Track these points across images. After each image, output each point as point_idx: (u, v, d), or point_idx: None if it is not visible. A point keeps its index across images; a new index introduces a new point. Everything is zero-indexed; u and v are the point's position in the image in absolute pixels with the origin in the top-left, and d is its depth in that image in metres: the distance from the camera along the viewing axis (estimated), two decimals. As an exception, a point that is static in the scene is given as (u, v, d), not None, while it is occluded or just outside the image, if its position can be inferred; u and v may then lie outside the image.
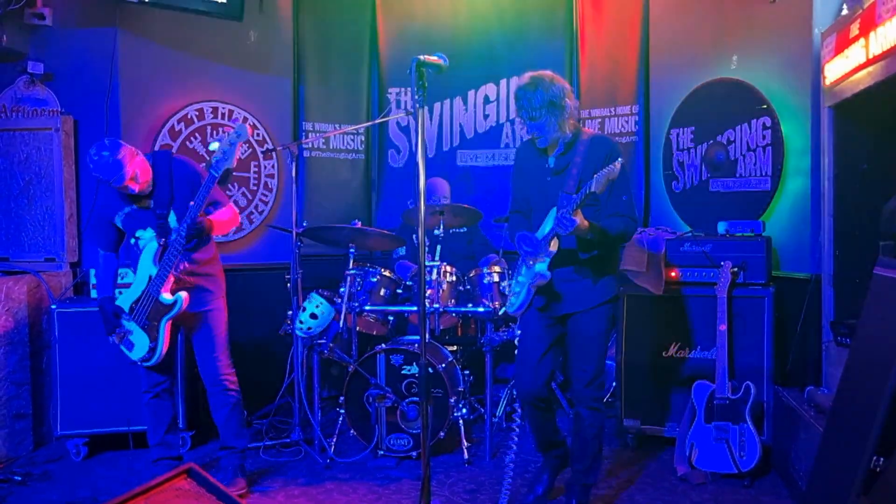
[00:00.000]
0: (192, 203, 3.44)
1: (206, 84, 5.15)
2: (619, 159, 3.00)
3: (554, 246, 3.11)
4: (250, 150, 5.30)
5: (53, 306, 4.22)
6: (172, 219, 3.57)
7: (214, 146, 3.45)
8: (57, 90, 4.70)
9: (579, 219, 2.96)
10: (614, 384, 4.48)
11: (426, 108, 5.77)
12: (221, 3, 4.79)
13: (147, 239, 3.59)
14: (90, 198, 4.70)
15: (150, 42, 4.90)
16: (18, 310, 4.25)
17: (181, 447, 3.99)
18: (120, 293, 3.65)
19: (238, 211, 3.79)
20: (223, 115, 5.19)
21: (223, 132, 5.14)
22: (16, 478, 3.86)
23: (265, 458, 4.19)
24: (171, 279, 3.51)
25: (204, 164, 3.77)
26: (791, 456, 3.55)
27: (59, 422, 4.19)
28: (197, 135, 5.09)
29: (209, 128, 5.14)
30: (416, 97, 2.37)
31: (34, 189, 4.55)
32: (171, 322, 3.53)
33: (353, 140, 5.87)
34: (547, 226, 3.15)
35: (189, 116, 5.07)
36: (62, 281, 4.54)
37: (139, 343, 3.57)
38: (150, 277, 3.51)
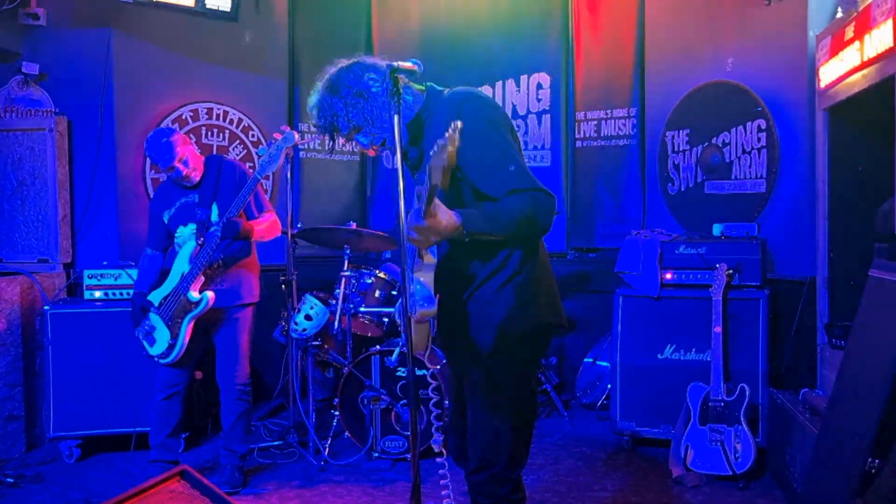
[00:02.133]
0: (232, 203, 3.54)
1: (200, 85, 5.14)
2: (462, 122, 1.78)
3: (429, 259, 2.13)
4: (245, 151, 5.29)
5: (47, 307, 4.20)
6: (215, 213, 3.66)
7: (263, 151, 3.63)
8: (51, 90, 4.68)
9: (432, 221, 1.90)
10: (609, 386, 4.47)
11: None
12: (217, 4, 4.80)
13: (184, 238, 3.67)
14: (84, 199, 4.69)
15: (145, 42, 4.89)
16: (11, 311, 4.23)
17: (178, 449, 3.97)
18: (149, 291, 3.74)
19: (280, 223, 3.89)
20: (218, 115, 5.17)
21: (218, 133, 5.14)
22: (8, 480, 3.84)
23: (259, 460, 4.17)
24: (202, 278, 3.58)
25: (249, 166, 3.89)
26: (786, 458, 3.55)
27: (52, 424, 4.17)
28: (192, 135, 5.06)
29: (204, 129, 5.13)
30: (392, 105, 2.11)
31: (28, 190, 4.53)
32: (194, 321, 3.59)
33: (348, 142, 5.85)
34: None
35: (184, 117, 5.06)
36: (55, 282, 4.52)
37: (160, 339, 3.62)
38: (183, 275, 3.58)
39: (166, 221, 3.76)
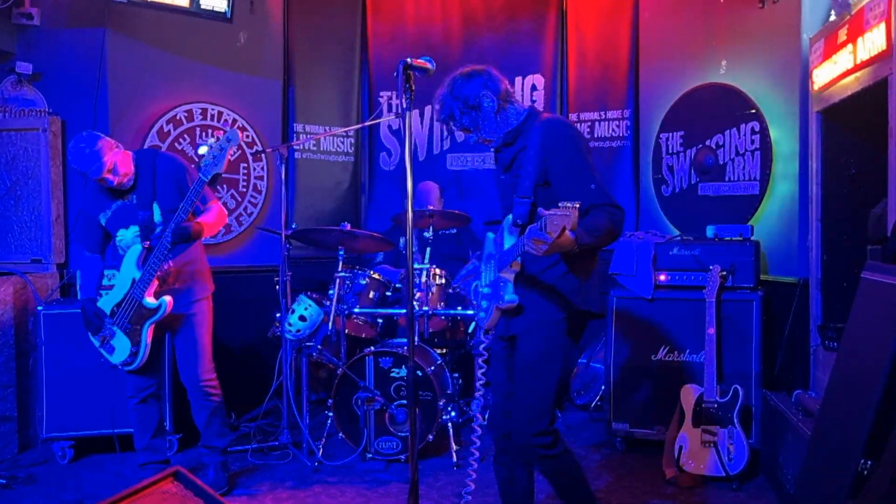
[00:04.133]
0: (179, 207, 3.42)
1: (195, 85, 5.12)
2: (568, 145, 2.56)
3: (516, 266, 2.58)
4: (239, 151, 5.28)
5: (40, 308, 4.19)
6: (157, 214, 3.55)
7: (203, 150, 3.44)
8: (45, 90, 4.67)
9: (558, 240, 2.24)
10: (603, 387, 4.48)
11: (416, 111, 5.84)
12: (212, 4, 4.79)
13: (129, 240, 3.57)
14: (78, 199, 4.67)
15: (139, 42, 4.88)
16: (4, 311, 4.22)
17: (168, 450, 3.97)
18: (102, 295, 3.62)
19: (225, 210, 3.78)
20: (212, 116, 5.17)
21: (213, 134, 5.13)
22: (1, 481, 3.82)
23: (253, 461, 4.17)
24: (156, 283, 3.48)
25: (193, 166, 3.76)
26: (779, 459, 3.56)
27: (45, 424, 4.16)
28: (186, 136, 5.06)
29: (198, 129, 5.12)
30: (404, 100, 2.37)
31: (21, 190, 4.52)
32: (153, 326, 3.50)
33: (343, 142, 5.86)
34: (507, 240, 2.65)
35: (178, 118, 5.05)
36: (49, 282, 4.51)
37: (120, 347, 3.54)
38: (134, 280, 3.48)
39: (104, 224, 3.62)
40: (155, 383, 3.71)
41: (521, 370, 2.68)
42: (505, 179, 2.78)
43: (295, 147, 5.54)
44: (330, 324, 4.17)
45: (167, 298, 3.50)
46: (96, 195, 3.62)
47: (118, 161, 3.47)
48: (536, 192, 2.61)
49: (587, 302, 2.66)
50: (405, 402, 4.04)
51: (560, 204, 2.14)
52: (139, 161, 3.59)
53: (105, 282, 3.72)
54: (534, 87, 5.68)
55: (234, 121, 5.24)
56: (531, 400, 2.63)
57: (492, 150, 2.85)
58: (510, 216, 2.65)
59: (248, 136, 5.32)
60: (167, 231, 3.41)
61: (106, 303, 3.56)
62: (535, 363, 2.64)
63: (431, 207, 4.96)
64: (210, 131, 5.15)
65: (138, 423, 3.71)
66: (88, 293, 3.63)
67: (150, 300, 3.46)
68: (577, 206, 2.15)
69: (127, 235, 3.59)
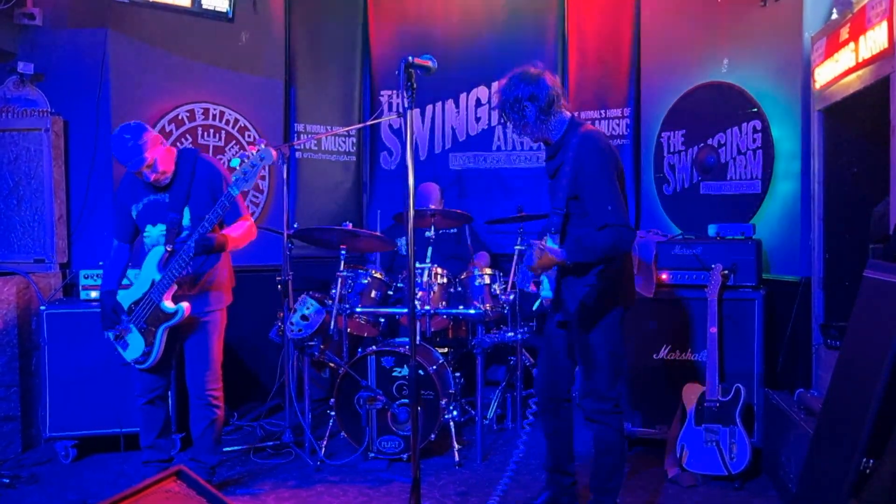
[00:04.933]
0: (205, 217, 3.37)
1: (197, 85, 5.13)
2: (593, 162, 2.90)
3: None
4: (242, 151, 5.27)
5: (43, 308, 4.19)
6: (186, 217, 3.51)
7: (236, 163, 3.37)
8: (47, 90, 4.67)
9: (542, 262, 2.83)
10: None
11: (417, 110, 5.84)
12: (213, 4, 4.80)
13: (154, 238, 3.53)
14: (80, 199, 4.68)
15: (141, 42, 4.88)
16: (7, 311, 4.23)
17: (171, 449, 3.96)
18: (120, 288, 3.59)
19: (255, 227, 3.71)
20: (214, 116, 5.17)
21: (214, 134, 5.13)
22: (3, 480, 3.83)
23: (255, 461, 4.17)
24: (174, 288, 3.44)
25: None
26: (781, 458, 3.56)
27: (48, 424, 4.16)
28: (188, 136, 5.07)
29: (200, 129, 5.12)
30: (406, 98, 2.38)
31: (23, 190, 4.53)
32: (168, 330, 3.47)
33: (344, 142, 5.86)
34: (549, 243, 3.00)
35: (180, 117, 5.05)
36: (51, 282, 4.51)
37: (134, 344, 3.52)
38: (153, 282, 3.44)
39: (134, 216, 3.58)
40: (164, 385, 3.67)
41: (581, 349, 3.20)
42: (551, 185, 3.14)
43: (296, 147, 5.54)
44: (332, 323, 4.18)
45: (185, 305, 3.45)
46: (133, 184, 3.57)
47: (159, 158, 3.41)
48: (569, 204, 2.98)
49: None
50: (407, 401, 4.05)
51: (535, 242, 2.84)
52: (180, 160, 3.54)
53: (124, 280, 3.69)
54: (535, 87, 5.67)
55: (236, 120, 5.25)
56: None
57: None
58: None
59: (249, 136, 5.32)
60: (190, 240, 3.36)
61: (125, 298, 3.52)
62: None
63: (433, 207, 4.96)
64: (211, 131, 5.15)
65: (144, 423, 3.70)
66: (110, 285, 3.58)
67: (168, 304, 3.43)
68: (544, 241, 2.89)
69: (153, 233, 3.54)
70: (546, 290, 3.07)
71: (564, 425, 3.31)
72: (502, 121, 3.05)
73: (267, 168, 5.36)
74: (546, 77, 3.04)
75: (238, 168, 3.37)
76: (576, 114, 3.13)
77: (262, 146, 3.41)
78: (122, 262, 3.64)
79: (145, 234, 3.58)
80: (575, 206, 2.98)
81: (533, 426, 3.32)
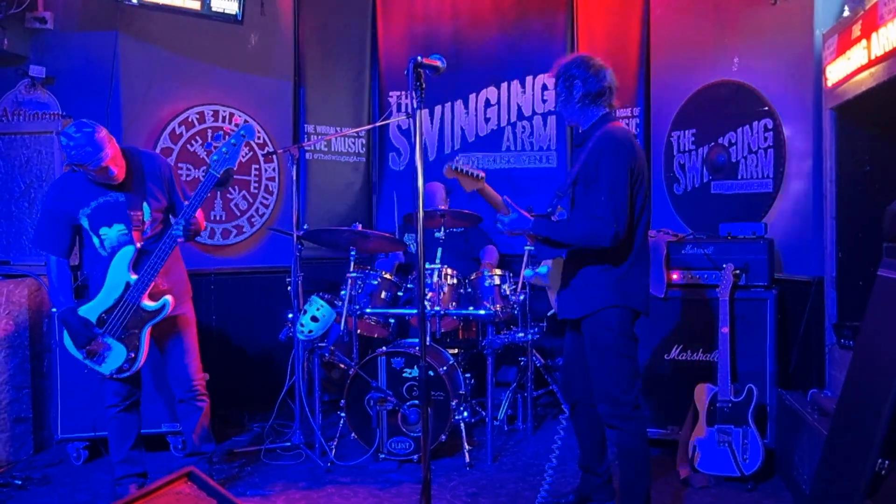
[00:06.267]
0: (187, 203, 3.31)
1: (206, 87, 5.15)
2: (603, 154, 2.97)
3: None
4: (251, 152, 5.30)
5: (54, 310, 4.20)
6: (147, 212, 3.41)
7: (209, 146, 3.35)
8: (58, 93, 4.69)
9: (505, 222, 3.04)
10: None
11: (427, 110, 5.84)
12: (222, 6, 4.80)
13: (113, 240, 3.39)
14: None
15: (151, 45, 4.90)
16: (19, 313, 4.25)
17: (176, 451, 3.95)
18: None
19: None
20: (224, 118, 5.18)
21: (225, 135, 5.14)
22: (16, 482, 3.85)
23: (266, 462, 4.18)
24: (152, 285, 3.33)
25: (204, 169, 3.70)
26: (794, 459, 3.53)
27: (60, 426, 4.18)
28: (198, 138, 5.08)
29: (210, 131, 5.14)
30: (415, 98, 2.38)
31: (35, 192, 4.54)
32: (151, 328, 3.37)
33: (354, 143, 5.87)
34: None
35: (190, 119, 5.07)
36: (63, 284, 4.52)
37: (114, 356, 3.36)
38: (128, 284, 3.31)
39: (84, 222, 3.38)
40: (139, 391, 3.56)
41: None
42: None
43: (306, 148, 5.55)
44: (342, 324, 4.18)
45: (169, 298, 3.37)
46: (73, 190, 3.37)
47: (117, 153, 3.29)
48: (574, 189, 3.09)
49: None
50: (417, 402, 4.04)
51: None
52: (126, 157, 3.39)
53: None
54: (544, 87, 5.66)
55: (246, 122, 5.26)
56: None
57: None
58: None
59: (259, 138, 5.33)
60: (176, 229, 3.29)
61: (90, 311, 3.35)
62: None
63: (443, 208, 4.96)
64: (221, 132, 5.16)
65: (118, 433, 3.54)
66: (68, 302, 3.39)
67: (148, 303, 3.34)
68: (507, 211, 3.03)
69: (111, 234, 3.39)
70: (542, 268, 3.24)
71: (586, 427, 3.34)
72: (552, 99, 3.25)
73: (276, 169, 5.40)
74: (607, 71, 3.15)
75: (220, 147, 3.30)
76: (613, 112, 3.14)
77: (243, 123, 3.34)
78: (67, 276, 3.45)
79: (101, 236, 3.39)
80: (578, 192, 3.08)
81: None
